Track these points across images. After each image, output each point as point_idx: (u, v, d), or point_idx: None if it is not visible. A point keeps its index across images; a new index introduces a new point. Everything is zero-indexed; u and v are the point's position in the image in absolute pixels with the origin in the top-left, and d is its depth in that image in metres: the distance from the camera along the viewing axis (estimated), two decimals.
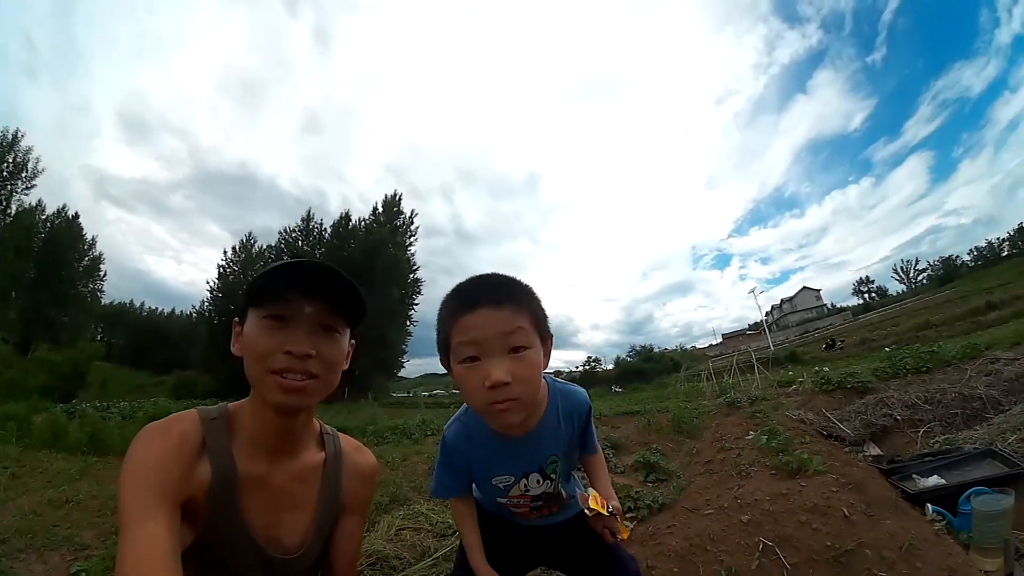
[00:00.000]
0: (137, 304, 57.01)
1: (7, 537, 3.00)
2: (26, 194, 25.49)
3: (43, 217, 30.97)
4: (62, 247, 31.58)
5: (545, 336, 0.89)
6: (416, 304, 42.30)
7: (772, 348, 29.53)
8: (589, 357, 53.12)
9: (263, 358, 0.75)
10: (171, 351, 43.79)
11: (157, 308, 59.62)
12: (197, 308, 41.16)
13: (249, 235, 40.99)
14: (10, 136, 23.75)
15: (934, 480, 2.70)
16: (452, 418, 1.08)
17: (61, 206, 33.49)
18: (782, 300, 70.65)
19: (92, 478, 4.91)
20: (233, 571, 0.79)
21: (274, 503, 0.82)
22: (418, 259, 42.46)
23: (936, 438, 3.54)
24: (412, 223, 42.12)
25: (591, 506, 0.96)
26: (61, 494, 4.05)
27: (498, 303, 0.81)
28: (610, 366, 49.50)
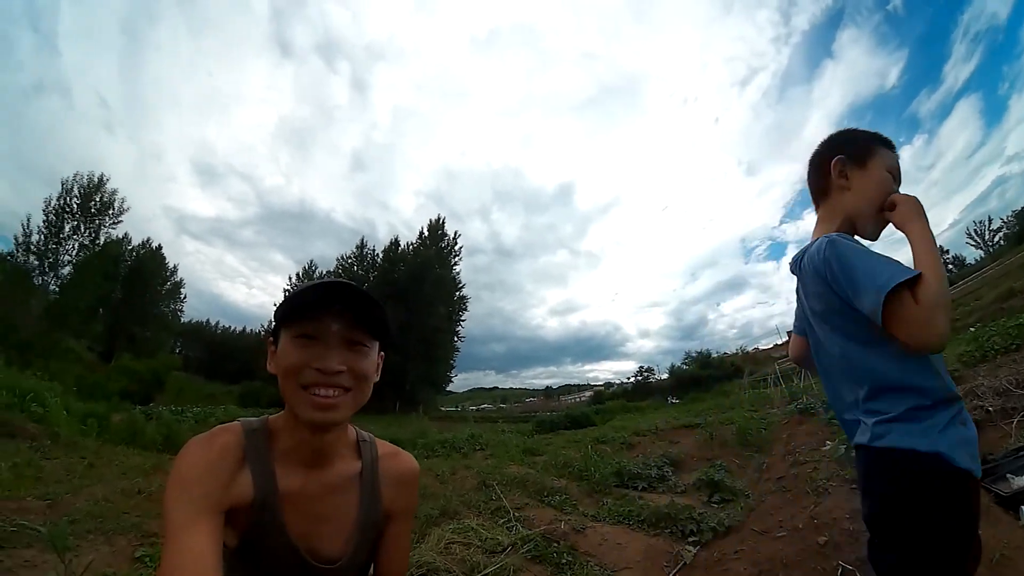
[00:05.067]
0: (212, 323, 63.03)
1: (78, 519, 3.19)
2: (113, 228, 29.76)
3: (130, 248, 36.24)
4: (147, 273, 36.94)
5: None
6: (463, 321, 43.25)
7: None
8: (641, 367, 50.76)
9: (294, 374, 0.77)
10: (240, 365, 47.06)
11: (230, 327, 65.24)
12: (265, 327, 44.53)
13: (310, 263, 45.15)
14: (96, 179, 27.90)
15: None
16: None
17: (146, 239, 39.48)
18: None
19: (164, 473, 5.10)
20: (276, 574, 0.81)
21: (313, 514, 0.83)
22: (462, 277, 43.68)
23: None
24: (456, 244, 43.56)
25: None
26: (134, 485, 4.26)
27: None
28: (664, 375, 47.35)
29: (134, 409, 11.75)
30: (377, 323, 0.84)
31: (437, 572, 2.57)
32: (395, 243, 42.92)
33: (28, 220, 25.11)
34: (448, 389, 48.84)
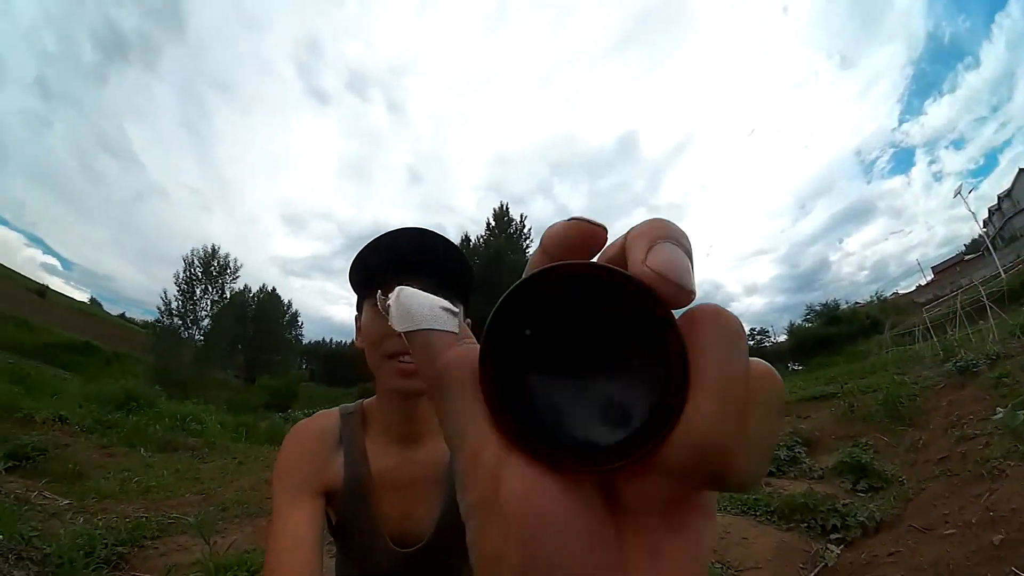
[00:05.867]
0: (327, 340, 74.85)
1: (227, 507, 3.77)
2: (234, 283, 38.60)
3: (251, 295, 48.12)
4: (269, 312, 48.68)
5: None
6: None
7: (1004, 275, 19.74)
8: (752, 330, 43.13)
9: (378, 344, 0.75)
10: (355, 371, 53.91)
11: (342, 341, 75.76)
12: None
13: None
14: (210, 249, 36.86)
15: None
16: None
17: (262, 285, 52.30)
18: (999, 197, 46.29)
19: None
20: (367, 558, 0.82)
21: (406, 496, 0.82)
22: None
23: None
24: (524, 227, 43.56)
25: None
26: None
27: None
28: (781, 337, 40.96)
29: (275, 416, 14.29)
30: (461, 283, 0.80)
31: None
32: (465, 239, 44.14)
33: (165, 293, 33.56)
34: None
